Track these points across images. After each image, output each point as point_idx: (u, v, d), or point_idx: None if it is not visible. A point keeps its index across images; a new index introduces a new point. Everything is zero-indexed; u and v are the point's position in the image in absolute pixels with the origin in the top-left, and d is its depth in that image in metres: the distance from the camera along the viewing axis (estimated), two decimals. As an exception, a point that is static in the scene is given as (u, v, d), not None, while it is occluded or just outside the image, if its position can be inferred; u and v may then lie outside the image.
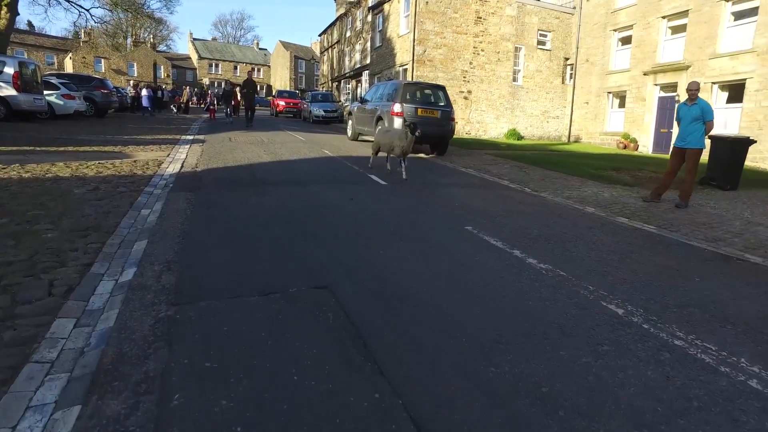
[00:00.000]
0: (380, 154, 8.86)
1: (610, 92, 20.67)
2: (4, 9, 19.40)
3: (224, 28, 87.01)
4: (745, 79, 15.25)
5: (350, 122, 15.02)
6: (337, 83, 35.25)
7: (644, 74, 18.49)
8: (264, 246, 4.07)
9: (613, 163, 13.35)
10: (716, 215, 6.99)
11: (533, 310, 3.10)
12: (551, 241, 4.87)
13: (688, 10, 16.88)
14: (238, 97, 22.05)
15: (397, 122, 11.63)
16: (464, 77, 20.41)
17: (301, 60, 68.00)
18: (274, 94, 33.63)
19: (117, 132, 13.42)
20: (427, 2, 19.19)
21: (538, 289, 3.48)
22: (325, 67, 42.21)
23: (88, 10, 30.13)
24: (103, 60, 54.05)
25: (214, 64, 68.26)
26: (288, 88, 60.67)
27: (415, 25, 19.29)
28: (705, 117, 7.33)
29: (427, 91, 12.55)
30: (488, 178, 9.40)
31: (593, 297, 3.38)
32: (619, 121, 20.32)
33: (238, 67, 69.82)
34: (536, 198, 7.53)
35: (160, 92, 32.07)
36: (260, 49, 76.61)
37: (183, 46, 77.52)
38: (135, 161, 8.29)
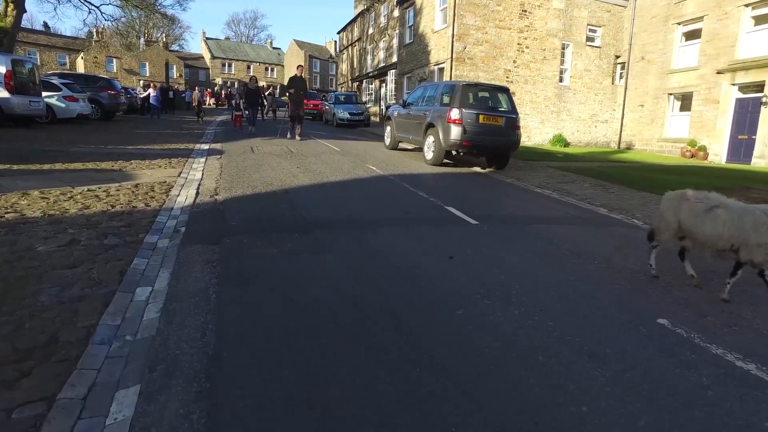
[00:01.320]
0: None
1: (671, 93, 18.42)
2: (11, 6, 17.77)
3: (237, 27, 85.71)
4: None
5: (388, 128, 13.02)
6: (358, 83, 33.28)
7: (718, 73, 16.22)
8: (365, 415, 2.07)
9: (699, 178, 11.19)
10: None
11: None
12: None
13: (777, -4, 14.59)
14: (263, 100, 19.72)
15: (455, 131, 9.62)
16: (507, 77, 18.31)
17: (316, 59, 66.29)
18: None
19: (121, 140, 11.56)
20: (468, -7, 17.13)
21: None
22: (344, 66, 40.28)
23: (98, 7, 28.54)
24: (114, 60, 52.73)
25: (227, 64, 66.78)
26: (303, 89, 58.90)
27: (454, 19, 17.24)
28: None
29: (489, 94, 10.51)
30: (579, 205, 7.36)
31: None
32: (682, 126, 18.07)
33: (252, 66, 68.27)
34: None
35: (171, 92, 30.40)
36: (274, 48, 75.02)
37: (196, 46, 76.03)
38: (137, 185, 6.37)
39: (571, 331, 2.88)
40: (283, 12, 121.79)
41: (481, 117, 9.74)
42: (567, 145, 19.44)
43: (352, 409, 2.02)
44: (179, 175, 7.33)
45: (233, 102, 22.63)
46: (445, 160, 10.35)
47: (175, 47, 67.88)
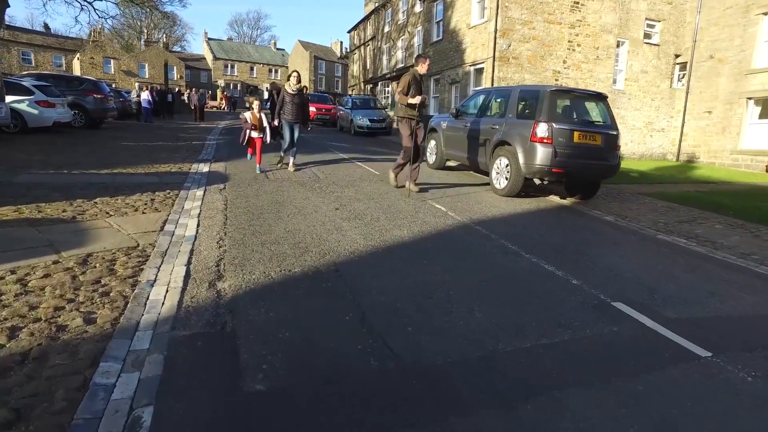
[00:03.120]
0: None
1: (750, 98, 15.79)
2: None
3: (240, 27, 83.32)
4: None
5: (432, 143, 10.44)
6: (371, 85, 30.70)
7: (817, 74, 13.61)
8: None
9: None
10: None
11: None
12: None
13: None
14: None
15: (542, 153, 7.06)
16: (556, 79, 15.74)
17: (321, 61, 63.89)
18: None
19: (98, 159, 9.00)
20: (515, -20, 14.56)
21: None
22: (355, 68, 37.67)
23: (90, 3, 26.16)
24: (112, 61, 50.37)
25: (229, 65, 64.35)
26: (308, 91, 56.48)
27: (497, 12, 14.66)
28: None
29: (582, 104, 7.94)
30: (763, 272, 4.80)
31: None
32: (764, 136, 15.45)
33: (255, 68, 65.87)
34: None
35: (170, 95, 27.90)
36: (278, 49, 72.61)
37: (198, 47, 73.25)
38: (87, 257, 3.80)
39: None
40: (288, 12, 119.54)
41: (576, 134, 7.17)
42: (621, 158, 16.83)
43: None
44: (162, 229, 4.75)
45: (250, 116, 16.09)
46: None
47: (176, 48, 65.50)
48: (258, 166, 8.49)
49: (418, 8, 23.09)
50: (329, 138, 17.12)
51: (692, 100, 17.55)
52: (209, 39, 66.36)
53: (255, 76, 64.94)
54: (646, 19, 17.39)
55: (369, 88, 31.74)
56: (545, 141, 7.06)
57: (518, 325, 3.11)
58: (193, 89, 28.75)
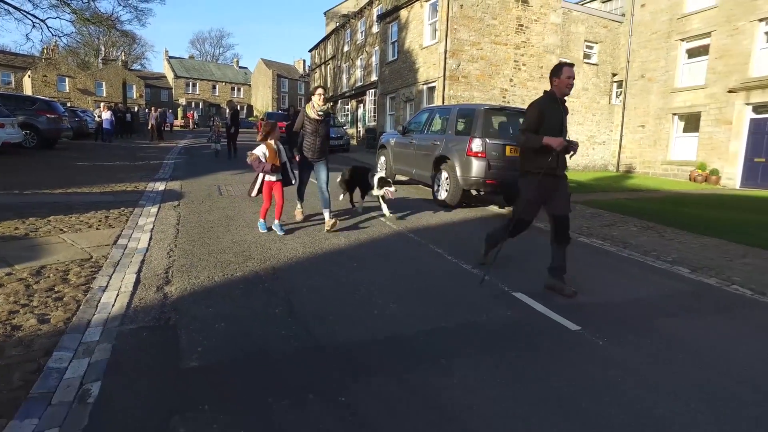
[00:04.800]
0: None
1: (675, 113, 17.23)
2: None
3: (202, 46, 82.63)
4: None
5: (382, 159, 11.05)
6: (332, 103, 31.37)
7: (730, 91, 15.06)
8: None
9: (756, 215, 9.68)
10: None
11: None
12: None
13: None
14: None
15: (477, 166, 7.74)
16: (504, 97, 16.73)
17: (284, 79, 64.36)
18: (261, 117, 29.38)
19: (52, 179, 9.13)
20: (461, 6, 15.53)
21: None
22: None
23: (43, 21, 25.81)
24: (67, 79, 49.15)
25: (191, 83, 63.81)
26: (271, 109, 56.70)
27: (447, 34, 15.57)
28: None
29: (515, 120, 8.72)
30: (658, 266, 5.61)
31: None
32: (689, 147, 16.85)
33: (217, 86, 65.56)
34: None
35: (128, 114, 27.70)
36: (240, 67, 72.56)
37: (158, 65, 72.30)
38: (41, 268, 4.10)
39: None
40: (250, 30, 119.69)
41: (507, 149, 7.89)
42: (566, 169, 17.93)
43: None
44: (116, 243, 5.09)
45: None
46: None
47: (136, 66, 64.55)
48: (277, 222, 5.67)
49: (375, 29, 23.97)
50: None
51: (628, 115, 18.93)
52: (170, 57, 65.74)
53: (217, 94, 64.62)
54: (585, 41, 18.74)
55: (330, 106, 32.37)
56: (479, 155, 7.75)
57: (426, 313, 3.64)
58: (152, 108, 28.59)
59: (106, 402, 2.32)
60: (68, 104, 31.72)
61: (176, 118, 44.84)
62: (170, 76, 63.26)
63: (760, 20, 14.30)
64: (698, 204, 11.10)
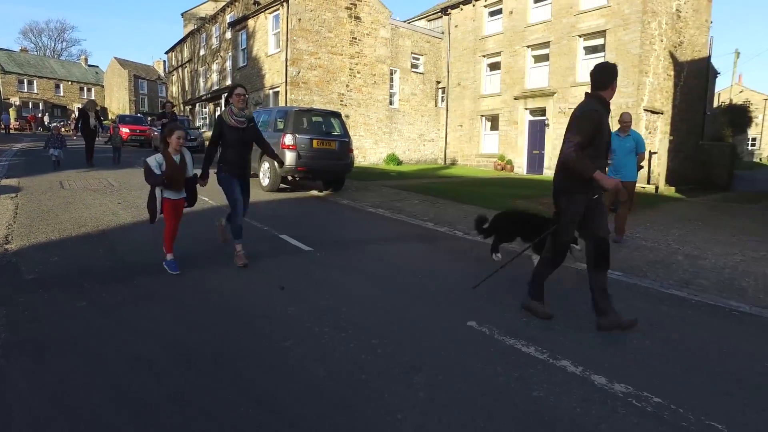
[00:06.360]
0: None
1: (483, 115, 21.22)
2: None
3: (39, 38, 73.46)
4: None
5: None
6: (190, 107, 31.44)
7: (515, 99, 19.23)
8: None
9: (512, 189, 13.13)
10: (658, 249, 6.50)
11: None
12: (592, 333, 3.52)
13: (549, 42, 17.94)
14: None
15: (289, 156, 9.74)
16: (341, 101, 19.15)
17: (143, 80, 60.87)
18: (114, 119, 28.42)
19: None
20: (299, 19, 17.55)
21: None
22: (174, 89, 37.68)
23: None
24: None
25: (26, 81, 57.10)
26: (128, 112, 53.48)
27: (287, 44, 17.49)
28: (638, 149, 6.98)
29: (322, 119, 10.86)
30: (409, 221, 8.07)
31: None
32: (493, 143, 20.92)
33: (62, 85, 59.60)
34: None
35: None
36: (90, 66, 66.74)
37: (-18, 60, 62.93)
38: None
39: (394, 347, 3.15)
40: (99, 25, 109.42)
41: (315, 142, 10.01)
42: (400, 163, 21.00)
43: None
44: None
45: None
46: (283, 185, 10.38)
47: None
48: (167, 261, 4.54)
49: (228, 35, 24.98)
50: (143, 155, 17.94)
51: (450, 117, 22.67)
52: (-3, 51, 58.14)
53: (62, 94, 58.83)
54: (412, 53, 22.02)
55: (188, 109, 32.36)
56: (291, 147, 9.75)
57: (207, 247, 5.47)
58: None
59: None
60: None
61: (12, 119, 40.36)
62: (-2, 72, 55.96)
63: (528, 46, 18.62)
64: (482, 184, 14.44)
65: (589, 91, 3.59)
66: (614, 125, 6.53)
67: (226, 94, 4.68)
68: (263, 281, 4.45)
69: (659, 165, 15.96)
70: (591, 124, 3.33)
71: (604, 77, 3.49)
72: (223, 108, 4.56)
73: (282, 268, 4.84)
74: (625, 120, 7.04)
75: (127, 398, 2.42)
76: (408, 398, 2.53)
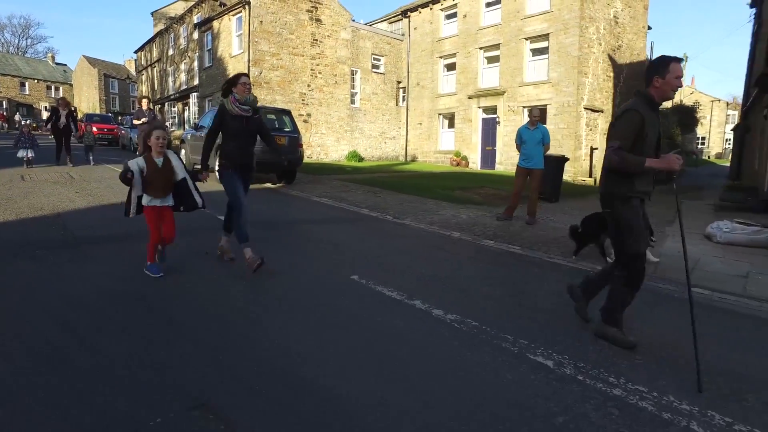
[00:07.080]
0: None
1: (440, 114, 22.29)
2: None
3: (1, 34, 72.07)
4: (546, 105, 17.70)
5: (183, 152, 13.27)
6: (160, 106, 31.76)
7: (469, 98, 20.34)
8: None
9: (457, 182, 14.15)
10: (562, 229, 7.56)
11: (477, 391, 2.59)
12: (446, 282, 4.51)
13: (499, 44, 19.10)
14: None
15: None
16: (303, 100, 19.95)
17: (113, 79, 60.35)
18: (81, 118, 28.61)
19: None
20: (261, 22, 18.29)
21: (458, 349, 3.01)
22: (144, 88, 37.85)
23: None
24: None
25: (-11, 79, 56.01)
26: (99, 111, 53.06)
27: (249, 45, 18.21)
28: (545, 140, 8.03)
29: (272, 116, 11.68)
30: (347, 208, 8.96)
31: (518, 350, 3.03)
32: (450, 140, 22.00)
33: (27, 84, 58.66)
34: (406, 229, 7.27)
35: None
36: (57, 64, 65.81)
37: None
38: None
39: (279, 293, 4.05)
40: (66, 22, 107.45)
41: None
42: (362, 160, 21.90)
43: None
44: None
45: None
46: (238, 178, 11.16)
47: None
48: (149, 265, 4.28)
49: (196, 35, 25.48)
50: (110, 155, 18.45)
51: (411, 115, 23.68)
52: (-41, 49, 56.93)
53: (28, 93, 57.98)
54: (372, 54, 22.94)
55: (158, 108, 32.64)
56: (243, 143, 10.54)
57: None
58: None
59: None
60: None
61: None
62: (-41, 70, 54.89)
63: (480, 48, 19.76)
64: (431, 178, 15.43)
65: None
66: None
67: (225, 86, 4.41)
68: (194, 248, 5.27)
69: (600, 160, 17.23)
70: (629, 126, 3.04)
71: (648, 72, 3.15)
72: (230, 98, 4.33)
73: (213, 240, 5.68)
74: (534, 115, 8.14)
75: (62, 324, 3.25)
76: (275, 317, 3.44)
